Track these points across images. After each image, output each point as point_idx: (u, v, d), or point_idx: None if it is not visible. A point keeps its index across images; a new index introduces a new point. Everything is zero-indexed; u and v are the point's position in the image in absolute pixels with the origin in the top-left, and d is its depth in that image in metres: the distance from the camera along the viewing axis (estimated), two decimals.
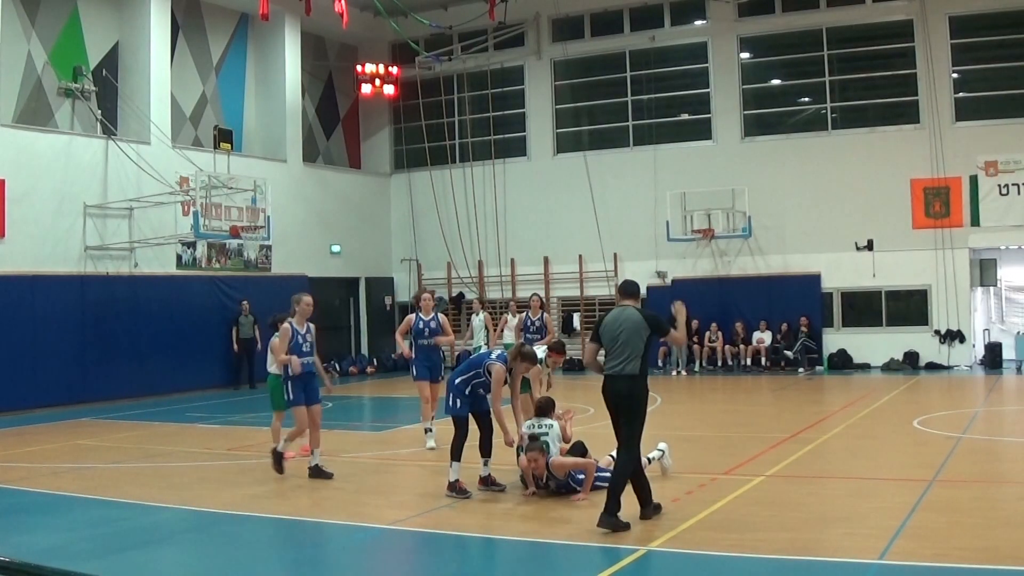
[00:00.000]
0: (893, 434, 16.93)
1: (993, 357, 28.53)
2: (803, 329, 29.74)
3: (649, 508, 10.41)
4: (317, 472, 13.39)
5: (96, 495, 12.75)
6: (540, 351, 14.32)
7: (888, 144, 29.83)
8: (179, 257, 27.92)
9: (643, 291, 31.26)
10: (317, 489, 12.80)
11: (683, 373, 30.00)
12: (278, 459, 13.68)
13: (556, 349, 14.45)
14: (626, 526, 9.92)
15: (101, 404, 24.18)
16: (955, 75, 29.52)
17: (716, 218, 30.24)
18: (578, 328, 33.01)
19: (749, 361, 30.25)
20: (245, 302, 28.54)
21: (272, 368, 14.75)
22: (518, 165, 34.61)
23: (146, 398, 25.55)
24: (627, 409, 10.32)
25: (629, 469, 10.28)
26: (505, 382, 12.01)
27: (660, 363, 30.72)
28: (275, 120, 32.24)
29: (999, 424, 18.74)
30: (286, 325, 13.48)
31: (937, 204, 29.14)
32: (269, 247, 30.15)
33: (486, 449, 12.14)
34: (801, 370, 29.37)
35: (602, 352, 10.46)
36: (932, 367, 28.88)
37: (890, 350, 29.46)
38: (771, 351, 30.12)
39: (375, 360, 34.33)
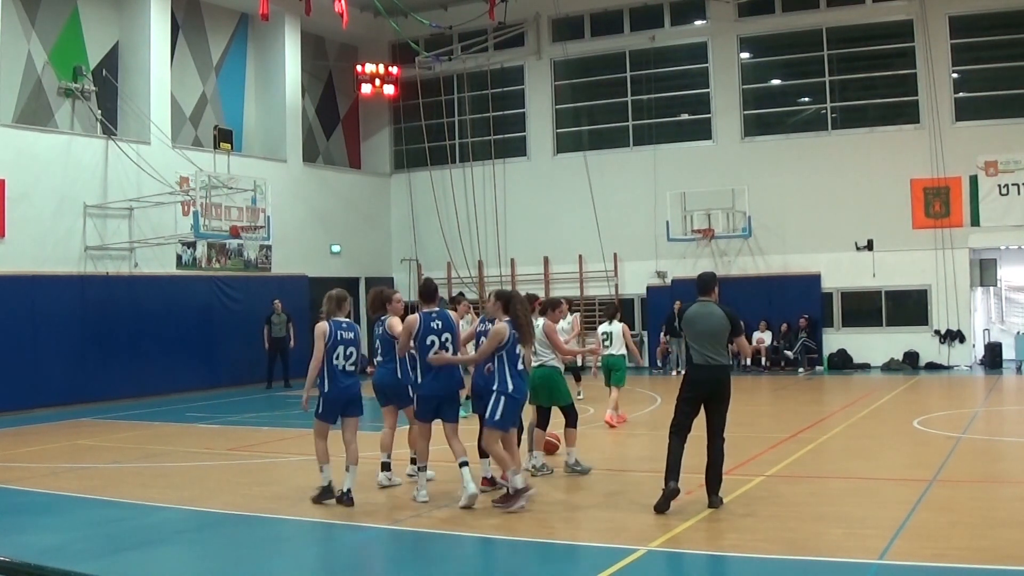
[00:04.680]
0: (893, 434, 16.94)
1: (993, 357, 28.56)
2: (803, 329, 29.75)
3: (716, 497, 10.94)
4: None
5: (96, 495, 12.75)
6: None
7: (888, 144, 29.84)
8: (179, 257, 27.92)
9: (643, 291, 31.75)
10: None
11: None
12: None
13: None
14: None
15: (101, 404, 24.18)
16: (955, 75, 29.54)
17: (716, 218, 30.25)
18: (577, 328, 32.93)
19: (749, 361, 30.17)
20: (278, 301, 28.53)
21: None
22: (518, 165, 34.61)
23: (146, 398, 25.54)
24: (720, 397, 11.13)
25: (723, 454, 11.02)
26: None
27: (660, 363, 30.70)
28: (275, 120, 32.24)
29: (999, 424, 18.74)
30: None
31: (937, 204, 29.14)
32: (269, 247, 30.14)
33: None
34: (801, 370, 29.38)
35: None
36: (932, 367, 28.89)
37: (890, 350, 29.47)
38: (771, 351, 30.13)
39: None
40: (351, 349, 11.87)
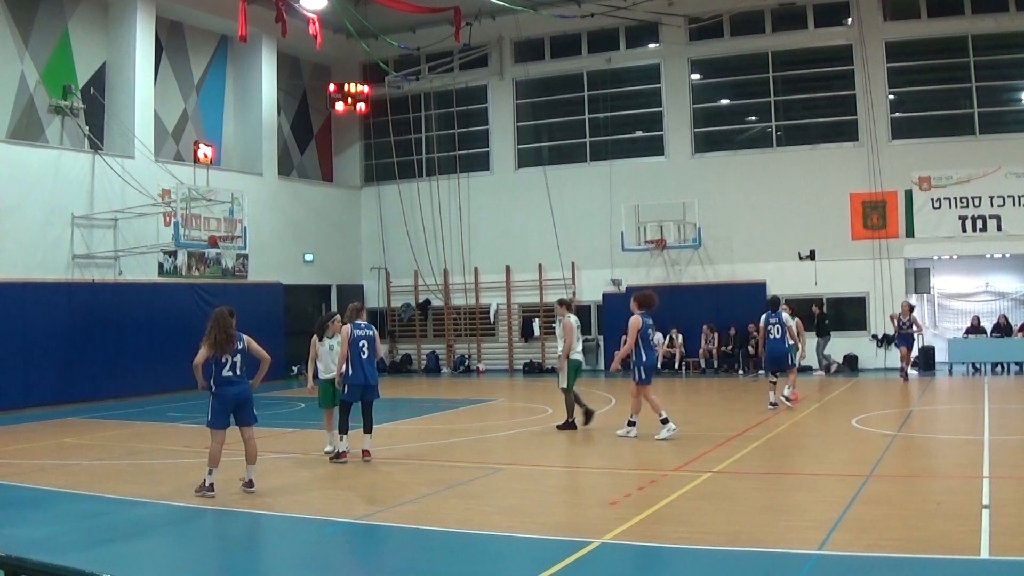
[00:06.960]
0: (833, 432, 17.04)
1: (927, 360, 28.76)
2: (751, 335, 29.87)
3: None
4: None
5: (81, 490, 12.67)
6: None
7: (829, 160, 30.09)
8: (161, 265, 27.77)
9: (599, 298, 31.81)
10: (297, 485, 12.74)
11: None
12: None
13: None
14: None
15: (86, 404, 24.02)
16: (891, 96, 29.82)
17: (668, 229, 30.34)
18: (538, 333, 33.07)
19: (703, 364, 30.37)
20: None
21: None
22: (481, 179, 34.62)
23: (129, 399, 25.39)
24: None
25: None
26: None
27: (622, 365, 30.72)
28: (252, 136, 32.11)
29: (931, 422, 18.87)
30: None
31: (875, 217, 29.39)
32: (246, 256, 30.01)
33: None
34: (741, 372, 29.56)
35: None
36: (870, 370, 29.09)
37: (831, 353, 29.61)
38: (719, 355, 30.25)
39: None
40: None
